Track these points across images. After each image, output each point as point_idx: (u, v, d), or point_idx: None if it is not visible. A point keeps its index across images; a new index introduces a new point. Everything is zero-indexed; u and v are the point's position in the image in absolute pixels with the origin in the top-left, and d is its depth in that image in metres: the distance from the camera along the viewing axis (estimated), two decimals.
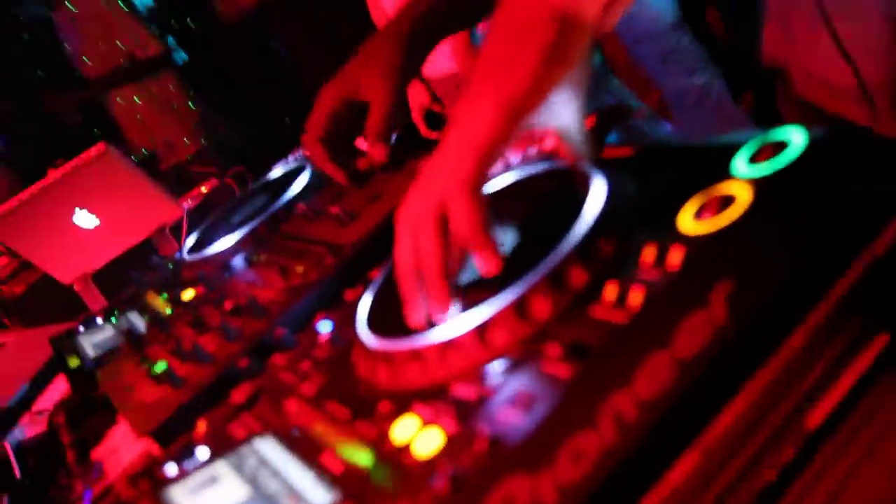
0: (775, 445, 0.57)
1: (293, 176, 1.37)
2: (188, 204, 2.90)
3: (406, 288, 0.72)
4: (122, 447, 0.97)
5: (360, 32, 1.20)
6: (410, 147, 1.14)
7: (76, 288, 2.56)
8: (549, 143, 0.83)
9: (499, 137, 0.69)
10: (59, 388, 1.74)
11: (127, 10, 4.50)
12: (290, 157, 1.55)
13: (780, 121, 1.19)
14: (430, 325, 0.69)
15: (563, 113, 0.74)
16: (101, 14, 4.43)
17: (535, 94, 0.69)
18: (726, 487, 0.56)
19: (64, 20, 4.47)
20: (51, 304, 2.82)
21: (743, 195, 0.57)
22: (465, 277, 0.71)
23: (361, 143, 1.15)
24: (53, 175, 2.47)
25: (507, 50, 0.70)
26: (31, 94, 4.71)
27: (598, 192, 0.67)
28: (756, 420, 0.56)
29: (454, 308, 0.68)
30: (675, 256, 0.56)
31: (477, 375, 0.62)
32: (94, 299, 2.51)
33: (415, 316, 0.70)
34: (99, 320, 1.49)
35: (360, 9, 2.73)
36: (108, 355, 1.27)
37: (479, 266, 0.66)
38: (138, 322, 1.32)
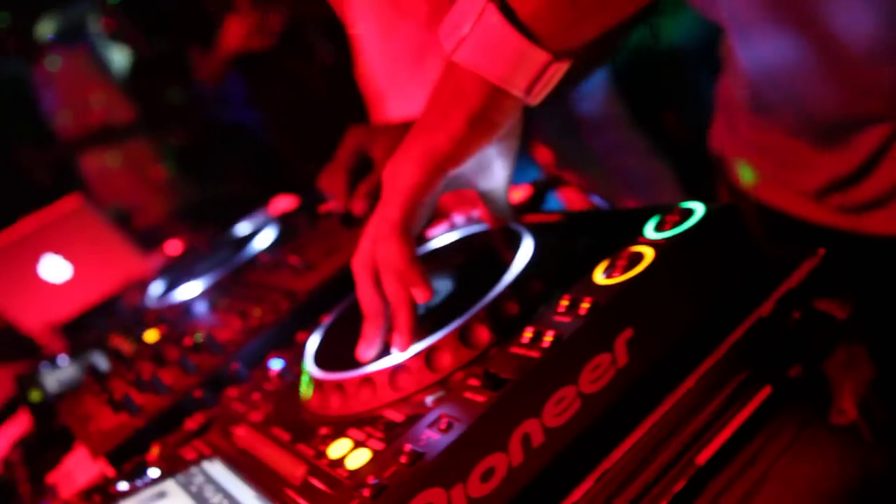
0: (667, 477, 0.64)
1: (258, 230, 1.44)
2: (155, 262, 2.94)
3: (365, 325, 0.78)
4: (77, 471, 1.02)
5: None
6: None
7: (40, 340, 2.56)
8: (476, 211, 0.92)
9: (422, 188, 0.77)
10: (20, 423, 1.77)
11: (105, 72, 4.55)
12: (257, 214, 1.62)
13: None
14: (376, 358, 0.76)
15: (492, 176, 0.83)
16: (77, 75, 4.44)
17: (459, 152, 0.77)
18: None
19: (41, 78, 4.48)
20: (12, 347, 2.81)
21: (648, 255, 0.66)
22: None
23: (324, 208, 1.24)
24: (25, 224, 2.47)
25: (438, 112, 0.78)
26: (2, 148, 4.74)
27: (525, 252, 0.75)
28: (650, 453, 0.64)
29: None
30: (586, 305, 0.64)
31: (405, 402, 0.69)
32: (58, 346, 2.51)
33: (367, 352, 0.77)
34: (61, 359, 1.54)
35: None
36: (70, 391, 1.32)
37: (413, 295, 0.74)
38: (101, 361, 1.37)
